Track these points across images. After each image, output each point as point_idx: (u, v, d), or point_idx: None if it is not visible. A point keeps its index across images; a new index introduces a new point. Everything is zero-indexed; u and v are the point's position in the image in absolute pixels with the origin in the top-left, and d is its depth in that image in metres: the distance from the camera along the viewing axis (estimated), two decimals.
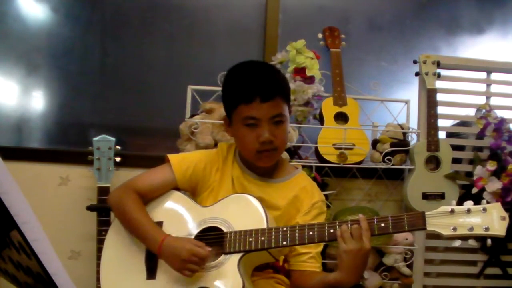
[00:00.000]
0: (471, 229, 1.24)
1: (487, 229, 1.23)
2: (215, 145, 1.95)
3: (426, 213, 1.28)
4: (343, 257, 1.28)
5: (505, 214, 1.24)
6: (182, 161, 1.56)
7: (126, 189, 1.53)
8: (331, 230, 1.33)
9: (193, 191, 1.57)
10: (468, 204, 1.27)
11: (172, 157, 1.56)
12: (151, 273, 1.42)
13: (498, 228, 1.22)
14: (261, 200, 1.45)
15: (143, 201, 1.51)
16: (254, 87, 1.45)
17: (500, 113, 2.20)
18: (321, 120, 2.15)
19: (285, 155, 2.02)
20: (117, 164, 2.06)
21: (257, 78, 1.47)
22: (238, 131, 1.50)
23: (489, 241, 1.28)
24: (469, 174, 2.21)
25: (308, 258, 1.48)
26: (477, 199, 2.09)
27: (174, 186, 1.55)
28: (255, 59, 1.59)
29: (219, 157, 1.59)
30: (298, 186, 1.57)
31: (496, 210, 1.24)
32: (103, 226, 1.95)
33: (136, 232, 1.46)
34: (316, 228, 1.35)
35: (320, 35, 2.28)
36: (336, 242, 1.31)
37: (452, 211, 1.26)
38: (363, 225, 1.29)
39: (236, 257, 1.36)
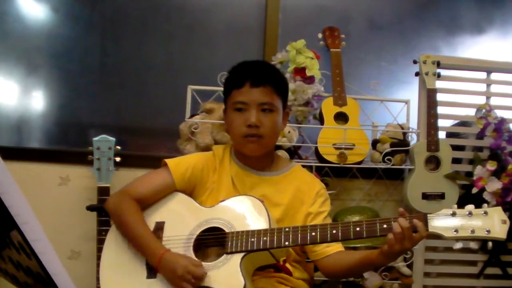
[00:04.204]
0: (473, 231, 1.26)
1: (488, 231, 1.25)
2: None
3: (428, 215, 1.29)
4: (394, 249, 1.29)
5: (506, 218, 1.26)
6: (179, 164, 1.57)
7: (124, 196, 1.52)
8: (334, 231, 1.35)
9: (191, 194, 1.57)
10: (470, 207, 1.28)
11: (169, 161, 1.58)
12: (151, 272, 1.42)
13: (499, 231, 1.24)
14: (264, 197, 1.46)
15: (142, 207, 1.52)
16: (246, 73, 1.54)
17: (500, 113, 2.20)
18: (321, 120, 2.15)
19: (285, 155, 2.02)
20: (117, 164, 2.05)
21: (250, 66, 1.58)
22: (229, 117, 1.56)
23: (490, 244, 1.29)
24: (469, 174, 2.21)
25: (328, 243, 1.49)
26: (477, 199, 2.10)
27: (173, 190, 1.55)
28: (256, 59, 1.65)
29: (215, 159, 1.61)
30: (297, 178, 1.61)
31: (497, 214, 1.27)
32: (103, 226, 1.95)
33: (134, 242, 1.46)
34: (318, 230, 1.36)
35: (320, 35, 2.28)
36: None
37: (454, 214, 1.28)
38: (404, 224, 1.28)
39: (238, 257, 1.36)
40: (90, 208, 2.00)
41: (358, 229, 1.33)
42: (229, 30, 2.51)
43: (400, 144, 2.14)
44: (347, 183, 2.29)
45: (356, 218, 1.99)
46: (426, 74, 2.18)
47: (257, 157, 1.57)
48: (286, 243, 1.35)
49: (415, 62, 2.22)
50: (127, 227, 1.47)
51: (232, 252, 1.37)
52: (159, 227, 1.49)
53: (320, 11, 2.56)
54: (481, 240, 1.30)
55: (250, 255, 1.37)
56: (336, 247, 1.51)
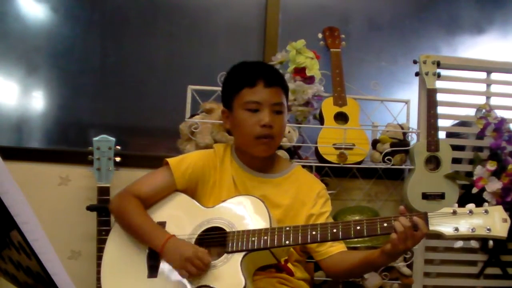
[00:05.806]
0: (474, 230, 1.26)
1: (489, 230, 1.25)
2: None
3: (428, 213, 1.29)
4: (397, 248, 1.29)
5: (507, 216, 1.26)
6: (180, 162, 1.57)
7: (126, 195, 1.53)
8: (334, 230, 1.35)
9: (193, 192, 1.57)
10: (470, 206, 1.28)
11: (170, 160, 1.58)
12: (152, 271, 1.43)
13: (500, 230, 1.24)
14: (264, 198, 1.46)
15: (144, 206, 1.52)
16: (259, 72, 1.53)
17: (500, 113, 2.20)
18: (321, 120, 2.15)
19: (285, 155, 2.02)
20: (117, 164, 2.05)
21: (262, 65, 1.61)
22: (238, 116, 1.53)
23: (490, 243, 1.30)
24: (469, 174, 2.21)
25: (332, 243, 1.49)
26: (477, 199, 2.10)
27: (174, 189, 1.55)
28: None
29: (216, 157, 1.60)
30: (298, 179, 1.61)
31: (497, 212, 1.26)
32: (103, 226, 1.95)
33: (139, 234, 1.47)
34: (319, 229, 1.36)
35: (320, 35, 2.28)
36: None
37: (454, 212, 1.28)
38: (406, 223, 1.28)
39: (238, 256, 1.36)
40: (90, 208, 2.00)
41: (358, 228, 1.33)
42: (229, 30, 2.51)
43: (400, 144, 2.14)
44: (347, 183, 2.29)
45: (356, 218, 1.99)
46: (426, 74, 2.18)
47: (259, 158, 1.57)
48: (287, 242, 1.36)
49: (415, 62, 2.22)
50: (131, 223, 1.48)
51: (232, 252, 1.37)
52: None
53: (320, 11, 2.56)
54: (482, 238, 1.31)
55: (251, 255, 1.37)
56: (339, 247, 1.51)
